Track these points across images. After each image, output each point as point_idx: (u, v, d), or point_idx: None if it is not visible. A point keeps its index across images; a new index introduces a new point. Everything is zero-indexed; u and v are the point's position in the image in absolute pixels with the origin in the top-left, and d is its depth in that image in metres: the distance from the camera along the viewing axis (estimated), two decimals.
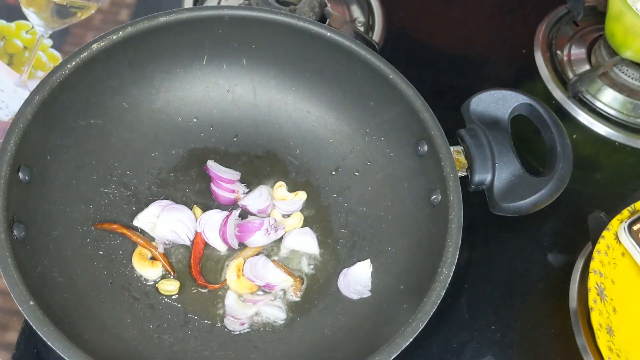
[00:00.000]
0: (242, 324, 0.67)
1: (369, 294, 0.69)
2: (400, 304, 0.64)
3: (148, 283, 0.68)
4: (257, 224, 0.70)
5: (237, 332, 0.66)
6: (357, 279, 0.69)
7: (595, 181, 0.85)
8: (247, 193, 0.74)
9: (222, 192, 0.73)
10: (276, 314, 0.68)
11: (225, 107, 0.79)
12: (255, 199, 0.73)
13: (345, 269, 0.70)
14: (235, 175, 0.74)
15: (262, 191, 0.74)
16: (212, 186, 0.74)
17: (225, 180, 0.73)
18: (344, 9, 0.95)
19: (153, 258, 0.69)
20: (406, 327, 0.58)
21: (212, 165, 0.74)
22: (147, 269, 0.68)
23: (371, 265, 0.70)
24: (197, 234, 0.71)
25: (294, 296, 0.69)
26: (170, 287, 0.68)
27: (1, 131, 0.76)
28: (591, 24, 0.97)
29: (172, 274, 0.69)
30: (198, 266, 0.69)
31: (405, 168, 0.72)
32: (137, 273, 0.69)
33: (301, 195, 0.74)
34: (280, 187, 0.75)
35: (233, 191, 0.73)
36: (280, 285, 0.69)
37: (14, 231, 0.60)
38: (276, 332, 0.67)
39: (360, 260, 0.70)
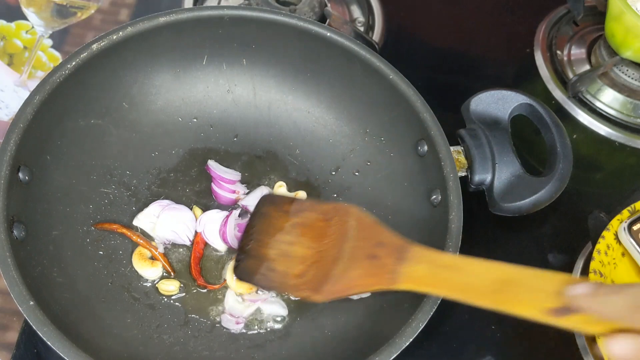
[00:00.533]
0: (238, 322, 0.67)
1: (368, 293, 0.69)
2: (400, 304, 0.63)
3: (148, 283, 0.68)
4: None
5: (235, 331, 0.66)
6: None
7: (595, 181, 0.85)
8: (247, 193, 0.74)
9: (223, 192, 0.73)
10: (277, 310, 0.67)
11: (225, 107, 0.79)
12: (256, 200, 0.73)
13: None
14: (236, 175, 0.74)
15: (262, 192, 0.74)
16: (213, 186, 0.74)
17: (226, 180, 0.73)
18: (344, 9, 0.95)
19: (153, 258, 0.69)
20: (406, 327, 0.58)
21: (213, 165, 0.74)
22: (147, 269, 0.68)
23: None
24: (197, 234, 0.71)
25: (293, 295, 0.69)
26: (170, 287, 0.68)
27: (1, 131, 0.76)
28: (591, 24, 0.97)
29: (172, 273, 0.69)
30: (198, 266, 0.69)
31: (405, 168, 0.72)
32: (137, 273, 0.69)
33: (301, 195, 0.74)
34: (281, 187, 0.75)
35: (234, 191, 0.73)
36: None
37: (14, 231, 0.60)
38: (276, 332, 0.67)
39: None
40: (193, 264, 0.69)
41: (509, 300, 0.48)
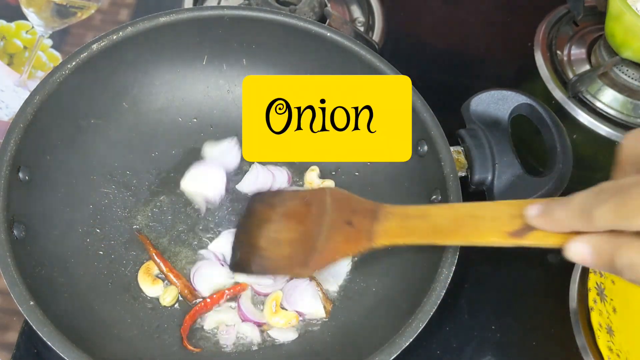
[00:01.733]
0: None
1: (336, 288, 0.69)
2: (400, 304, 0.64)
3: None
4: None
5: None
6: (330, 270, 0.69)
7: (595, 181, 0.84)
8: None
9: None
10: (286, 336, 0.67)
11: (225, 107, 0.79)
12: (253, 182, 0.74)
13: None
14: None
15: (257, 171, 0.74)
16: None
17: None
18: (344, 9, 0.95)
19: (159, 276, 0.68)
20: (406, 327, 0.58)
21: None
22: (147, 286, 0.67)
23: (350, 264, 0.70)
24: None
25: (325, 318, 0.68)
26: (167, 298, 0.67)
27: (1, 131, 0.76)
28: (591, 24, 0.97)
29: (193, 300, 0.68)
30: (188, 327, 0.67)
31: (405, 168, 0.72)
32: (137, 273, 0.69)
33: (328, 184, 0.75)
34: (313, 171, 0.75)
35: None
36: (310, 314, 0.68)
37: (14, 231, 0.60)
38: None
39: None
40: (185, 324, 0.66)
41: (473, 232, 0.51)
